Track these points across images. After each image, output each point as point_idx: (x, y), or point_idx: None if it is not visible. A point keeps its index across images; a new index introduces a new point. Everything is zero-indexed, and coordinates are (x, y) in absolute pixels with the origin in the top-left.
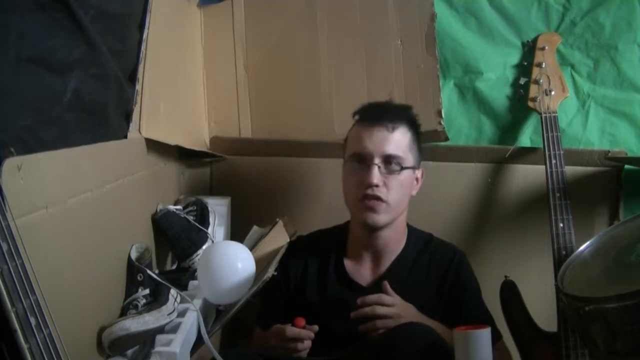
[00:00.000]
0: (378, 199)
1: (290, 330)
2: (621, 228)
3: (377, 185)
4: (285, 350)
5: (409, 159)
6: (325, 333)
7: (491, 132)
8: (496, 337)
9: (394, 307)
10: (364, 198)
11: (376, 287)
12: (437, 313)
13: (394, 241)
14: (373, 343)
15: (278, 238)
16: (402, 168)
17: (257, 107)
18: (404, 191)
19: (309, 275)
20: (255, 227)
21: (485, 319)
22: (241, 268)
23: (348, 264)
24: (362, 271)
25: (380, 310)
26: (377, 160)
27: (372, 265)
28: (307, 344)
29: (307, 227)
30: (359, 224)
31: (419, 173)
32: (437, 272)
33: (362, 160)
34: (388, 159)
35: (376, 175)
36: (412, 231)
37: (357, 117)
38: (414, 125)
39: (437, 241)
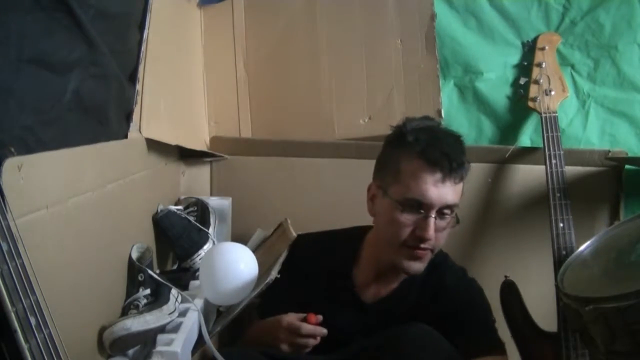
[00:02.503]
0: (428, 249)
1: (306, 327)
2: (621, 228)
3: (431, 239)
4: (294, 345)
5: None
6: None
7: (491, 132)
8: (492, 347)
9: None
10: (413, 248)
11: (378, 306)
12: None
13: None
14: (373, 344)
15: (281, 240)
16: (457, 220)
17: (257, 107)
18: (445, 237)
19: (315, 275)
20: (259, 230)
21: (483, 337)
22: (243, 270)
23: (355, 277)
24: (367, 288)
25: None
26: (435, 212)
27: (379, 285)
28: (317, 340)
29: (307, 227)
30: (392, 264)
31: None
32: (442, 295)
33: (419, 208)
34: (444, 209)
35: (433, 229)
36: None
37: (418, 150)
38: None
39: (449, 264)
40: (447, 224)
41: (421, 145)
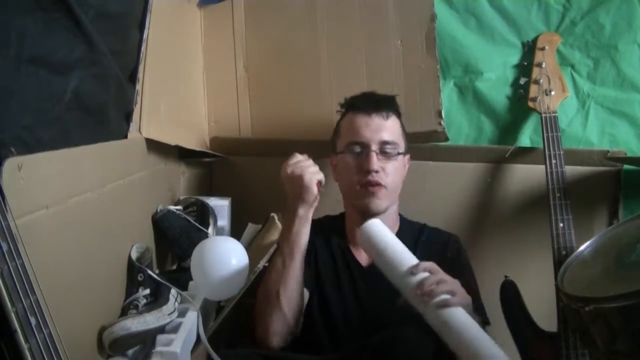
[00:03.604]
0: (378, 184)
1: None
2: (621, 228)
3: (377, 171)
4: (307, 172)
5: (402, 145)
6: (327, 310)
7: (491, 132)
8: (486, 321)
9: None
10: (364, 184)
11: (374, 267)
12: None
13: (388, 226)
14: (371, 345)
15: (272, 232)
16: (398, 153)
17: (257, 107)
18: (399, 175)
19: (317, 255)
20: (250, 224)
21: (476, 301)
22: (233, 260)
23: (351, 247)
24: (360, 255)
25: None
26: (374, 147)
27: None
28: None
29: None
30: (357, 210)
31: (406, 159)
32: (436, 252)
33: (360, 148)
34: (385, 145)
35: (375, 162)
36: (404, 220)
37: (348, 107)
38: (399, 115)
39: (431, 228)
40: (391, 159)
41: (354, 102)
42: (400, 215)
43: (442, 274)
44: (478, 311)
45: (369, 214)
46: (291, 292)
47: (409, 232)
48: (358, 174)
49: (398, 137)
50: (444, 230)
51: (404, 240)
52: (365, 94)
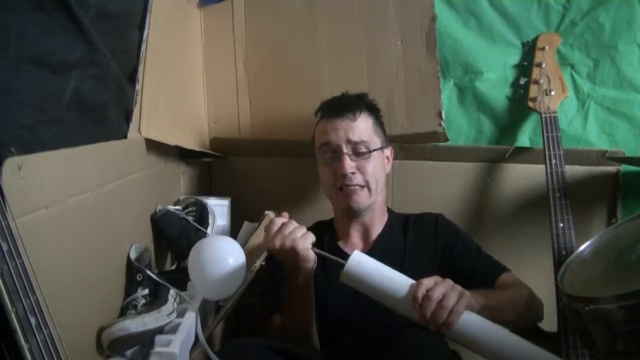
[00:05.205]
0: (356, 185)
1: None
2: (621, 228)
3: (352, 173)
4: (292, 239)
5: (375, 141)
6: (324, 307)
7: (491, 132)
8: (500, 270)
9: (440, 284)
10: (342, 187)
11: (373, 252)
12: (436, 272)
13: (377, 218)
14: (374, 342)
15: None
16: (371, 151)
17: (257, 107)
18: (378, 172)
19: None
20: (246, 223)
21: (485, 260)
22: (230, 259)
23: (344, 246)
24: (352, 248)
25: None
26: (346, 150)
27: (364, 239)
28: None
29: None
30: (341, 211)
31: (388, 152)
32: (426, 233)
33: (332, 152)
34: (356, 146)
35: (348, 164)
36: (392, 212)
37: (319, 114)
38: (373, 110)
39: (417, 214)
40: (366, 158)
41: (323, 109)
42: (388, 208)
43: (436, 293)
44: (491, 269)
45: (353, 214)
46: (308, 339)
47: (396, 222)
48: (334, 178)
49: (369, 135)
50: (429, 212)
51: (392, 230)
52: (333, 98)
